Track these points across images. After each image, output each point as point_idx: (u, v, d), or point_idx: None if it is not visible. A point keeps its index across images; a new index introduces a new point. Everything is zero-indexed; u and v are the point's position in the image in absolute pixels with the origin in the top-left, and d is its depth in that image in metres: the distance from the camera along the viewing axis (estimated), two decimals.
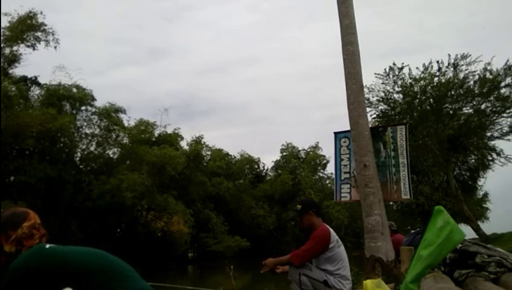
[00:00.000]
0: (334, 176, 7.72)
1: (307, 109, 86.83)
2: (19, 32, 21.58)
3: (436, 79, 18.63)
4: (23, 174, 18.48)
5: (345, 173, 7.22)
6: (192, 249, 33.30)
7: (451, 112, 19.45)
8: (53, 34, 22.80)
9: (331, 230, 3.52)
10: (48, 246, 1.56)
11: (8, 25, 21.41)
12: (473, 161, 23.33)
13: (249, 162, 42.89)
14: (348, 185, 7.15)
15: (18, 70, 23.09)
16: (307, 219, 3.52)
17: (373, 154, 6.55)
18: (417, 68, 18.92)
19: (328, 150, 44.29)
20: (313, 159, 45.18)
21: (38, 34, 22.27)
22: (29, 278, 1.41)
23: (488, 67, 17.58)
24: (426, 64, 18.70)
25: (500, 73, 17.38)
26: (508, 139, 19.18)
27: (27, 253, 1.51)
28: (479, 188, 26.82)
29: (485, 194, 29.81)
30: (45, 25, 22.53)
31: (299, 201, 3.89)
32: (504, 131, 19.07)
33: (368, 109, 14.03)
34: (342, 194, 7.24)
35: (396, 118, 19.07)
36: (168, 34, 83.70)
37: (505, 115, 18.47)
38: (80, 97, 24.46)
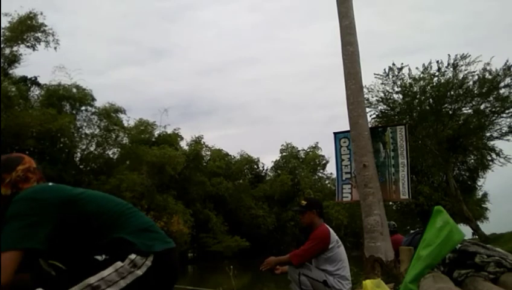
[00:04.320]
0: (334, 176, 7.75)
1: (307, 109, 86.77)
2: (19, 33, 21.57)
3: (435, 79, 18.66)
4: None
5: (346, 173, 7.23)
6: (192, 249, 33.27)
7: (450, 112, 19.47)
8: (53, 35, 22.82)
9: (331, 230, 3.53)
10: (51, 184, 1.60)
11: (8, 25, 21.45)
12: (472, 161, 23.36)
13: (249, 162, 42.87)
14: (349, 186, 7.15)
15: (18, 71, 23.13)
16: (309, 216, 3.53)
17: (372, 154, 6.56)
18: (417, 68, 18.98)
19: (327, 150, 44.29)
20: (312, 159, 45.14)
21: (38, 34, 22.28)
22: (41, 206, 1.43)
23: (488, 68, 17.63)
24: (426, 65, 18.76)
25: (500, 73, 17.41)
26: (507, 140, 19.23)
27: (32, 188, 1.54)
28: (479, 188, 26.91)
29: (485, 195, 29.88)
30: (45, 26, 22.56)
31: (304, 197, 3.91)
32: (503, 131, 19.11)
33: (367, 109, 14.02)
34: (343, 195, 7.25)
35: (395, 118, 19.08)
36: (168, 34, 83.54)
37: (504, 115, 18.51)
38: (80, 97, 24.45)
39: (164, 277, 1.59)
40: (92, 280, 1.43)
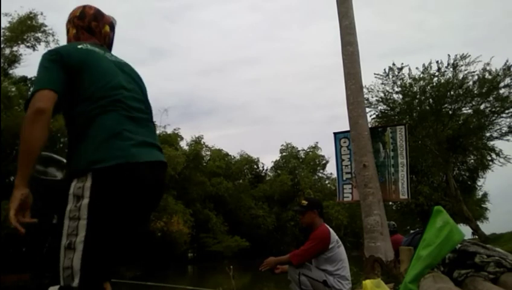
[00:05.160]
0: (334, 176, 7.76)
1: (307, 109, 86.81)
2: (19, 33, 21.55)
3: (435, 79, 18.65)
4: None
5: (347, 173, 7.23)
6: (192, 249, 33.27)
7: (450, 112, 19.47)
8: (53, 35, 22.75)
9: (331, 230, 3.53)
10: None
11: (8, 25, 21.43)
12: (472, 161, 23.35)
13: (249, 162, 42.89)
14: (350, 186, 7.16)
15: (18, 71, 23.11)
16: (310, 216, 3.53)
17: (372, 154, 6.56)
18: (417, 68, 18.97)
19: (327, 150, 44.33)
20: (312, 160, 45.14)
21: (39, 34, 22.26)
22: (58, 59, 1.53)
23: (487, 68, 17.62)
24: (426, 65, 18.75)
25: (500, 73, 17.39)
26: (507, 140, 19.22)
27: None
28: (478, 188, 26.91)
29: (484, 195, 29.89)
30: (45, 26, 22.54)
31: (304, 197, 3.91)
32: (503, 131, 19.10)
33: (367, 109, 14.01)
34: (344, 195, 7.26)
35: (395, 118, 19.08)
36: (169, 34, 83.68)
37: (504, 115, 18.49)
38: None
39: (122, 198, 1.40)
40: (63, 240, 1.38)
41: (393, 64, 18.67)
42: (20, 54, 22.22)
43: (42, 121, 1.40)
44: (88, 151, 1.42)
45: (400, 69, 18.69)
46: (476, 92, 18.08)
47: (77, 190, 1.39)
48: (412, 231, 6.73)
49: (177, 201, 28.37)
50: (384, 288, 2.53)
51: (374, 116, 20.02)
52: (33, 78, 24.13)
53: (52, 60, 1.53)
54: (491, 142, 20.68)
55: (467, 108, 19.24)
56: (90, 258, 1.34)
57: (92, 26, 1.78)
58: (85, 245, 1.34)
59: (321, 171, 46.50)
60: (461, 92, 18.26)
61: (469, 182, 24.84)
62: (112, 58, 1.68)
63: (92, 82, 1.52)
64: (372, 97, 19.44)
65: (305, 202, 3.61)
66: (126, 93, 1.55)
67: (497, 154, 20.76)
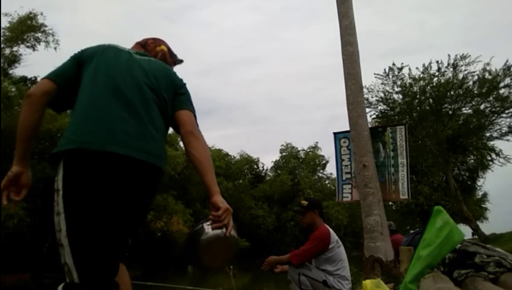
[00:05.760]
0: (334, 176, 7.77)
1: (307, 109, 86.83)
2: (19, 33, 21.55)
3: (435, 79, 18.65)
4: None
5: (346, 173, 7.24)
6: None
7: (450, 112, 19.47)
8: (53, 35, 22.78)
9: (331, 230, 3.53)
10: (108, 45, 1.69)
11: (8, 25, 21.44)
12: (472, 161, 23.35)
13: (248, 163, 42.86)
14: (349, 186, 7.16)
15: (18, 71, 23.11)
16: (310, 216, 3.53)
17: (372, 154, 6.57)
18: (417, 68, 18.98)
19: (327, 150, 44.33)
20: (312, 160, 45.12)
21: (39, 35, 22.27)
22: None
23: (487, 68, 17.62)
24: (426, 65, 18.75)
25: (499, 73, 17.39)
26: (507, 140, 19.23)
27: None
28: (478, 188, 26.90)
29: (484, 195, 29.90)
30: (45, 26, 22.54)
31: (305, 197, 3.90)
32: (503, 131, 19.11)
33: (367, 109, 14.04)
34: (344, 195, 7.26)
35: (395, 118, 19.08)
36: (169, 33, 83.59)
37: (504, 115, 18.50)
38: None
39: (91, 187, 1.33)
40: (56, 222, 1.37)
41: (393, 64, 18.71)
42: (20, 54, 22.24)
43: (28, 102, 1.50)
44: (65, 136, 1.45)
45: (400, 69, 18.70)
46: (476, 92, 18.08)
47: (55, 183, 1.39)
48: (412, 231, 6.73)
49: (177, 201, 28.37)
50: (384, 288, 2.53)
51: (374, 116, 20.05)
52: (33, 78, 24.22)
53: (73, 55, 1.63)
54: (491, 142, 20.72)
55: (467, 108, 19.26)
56: (77, 252, 1.30)
57: (148, 42, 1.96)
58: (69, 240, 1.31)
59: (321, 171, 46.51)
60: (461, 92, 18.25)
61: (469, 182, 24.83)
62: (135, 56, 1.68)
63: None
64: (372, 97, 19.47)
65: (305, 202, 3.61)
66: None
67: (497, 154, 20.78)
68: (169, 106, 1.65)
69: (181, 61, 2.07)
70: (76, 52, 1.64)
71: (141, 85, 1.55)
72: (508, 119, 18.59)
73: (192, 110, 1.73)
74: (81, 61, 1.58)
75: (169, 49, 2.00)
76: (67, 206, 1.33)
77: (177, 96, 1.69)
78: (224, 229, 1.46)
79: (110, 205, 1.35)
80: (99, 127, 1.40)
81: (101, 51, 1.61)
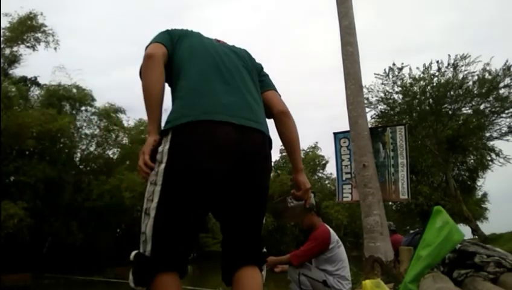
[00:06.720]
0: (334, 176, 7.77)
1: (307, 109, 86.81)
2: (19, 33, 21.53)
3: (435, 79, 18.64)
4: (23, 175, 18.44)
5: (346, 173, 7.23)
6: None
7: (450, 112, 19.46)
8: (53, 35, 22.76)
9: (331, 231, 3.53)
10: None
11: (8, 25, 21.42)
12: (472, 161, 23.35)
13: None
14: (349, 186, 7.16)
15: (18, 71, 23.11)
16: (309, 219, 3.53)
17: (372, 154, 6.57)
18: (417, 68, 18.96)
19: (327, 150, 44.24)
20: (312, 160, 45.05)
21: (39, 35, 22.24)
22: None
23: (487, 68, 17.61)
24: (426, 65, 18.74)
25: (499, 73, 17.37)
26: (507, 140, 19.21)
27: None
28: (478, 188, 26.87)
29: (484, 195, 29.85)
30: (45, 26, 22.53)
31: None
32: (503, 131, 19.10)
33: (367, 109, 14.00)
34: (344, 195, 7.26)
35: (395, 118, 19.07)
36: None
37: (503, 115, 18.49)
38: (80, 97, 24.39)
39: (200, 162, 1.32)
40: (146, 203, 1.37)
41: (394, 64, 18.68)
42: (20, 54, 22.24)
43: (153, 63, 1.46)
44: (173, 112, 1.44)
45: (400, 69, 18.69)
46: (475, 92, 18.07)
47: (158, 154, 1.38)
48: (411, 231, 6.73)
49: None
50: (384, 288, 2.53)
51: (374, 116, 20.05)
52: (33, 78, 24.22)
53: (163, 31, 1.63)
54: (491, 142, 20.72)
55: (467, 108, 19.24)
56: (160, 227, 1.30)
57: None
58: (156, 212, 1.31)
59: (321, 171, 46.45)
60: (461, 92, 18.25)
61: (469, 182, 24.82)
62: (214, 41, 1.73)
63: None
64: (372, 97, 19.46)
65: None
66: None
67: (497, 154, 20.77)
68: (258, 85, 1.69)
69: None
70: (162, 30, 1.63)
71: (236, 64, 1.60)
72: (508, 119, 18.61)
73: (277, 91, 1.76)
74: (173, 38, 1.58)
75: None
76: (166, 181, 1.33)
77: (262, 78, 1.73)
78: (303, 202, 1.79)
79: (212, 184, 1.35)
80: (210, 100, 1.42)
81: (190, 32, 1.65)
